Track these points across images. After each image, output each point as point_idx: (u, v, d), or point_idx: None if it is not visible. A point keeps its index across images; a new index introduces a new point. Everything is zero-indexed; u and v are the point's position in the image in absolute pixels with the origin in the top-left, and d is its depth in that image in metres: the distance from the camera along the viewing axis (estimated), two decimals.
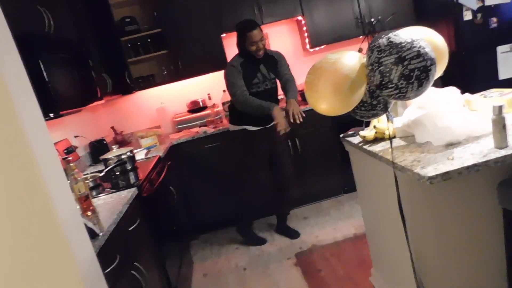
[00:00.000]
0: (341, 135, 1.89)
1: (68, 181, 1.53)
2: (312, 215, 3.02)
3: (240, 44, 2.43)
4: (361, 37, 3.31)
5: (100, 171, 2.20)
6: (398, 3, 3.21)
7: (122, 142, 3.42)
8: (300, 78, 3.56)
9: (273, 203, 2.84)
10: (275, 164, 2.65)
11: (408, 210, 1.34)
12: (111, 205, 1.61)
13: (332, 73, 1.32)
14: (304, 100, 3.23)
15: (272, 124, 2.55)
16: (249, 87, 2.43)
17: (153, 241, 1.87)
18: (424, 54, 1.22)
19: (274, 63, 2.54)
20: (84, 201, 1.53)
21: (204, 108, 3.40)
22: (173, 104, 3.50)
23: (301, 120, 2.34)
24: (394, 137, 1.55)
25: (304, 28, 3.22)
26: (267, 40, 3.48)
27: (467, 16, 2.78)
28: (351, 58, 1.36)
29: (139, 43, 3.26)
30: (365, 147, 1.56)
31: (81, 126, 2.91)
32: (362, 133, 1.63)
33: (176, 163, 2.90)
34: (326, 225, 2.78)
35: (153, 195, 2.07)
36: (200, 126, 3.28)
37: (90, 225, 1.32)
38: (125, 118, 3.54)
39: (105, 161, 2.24)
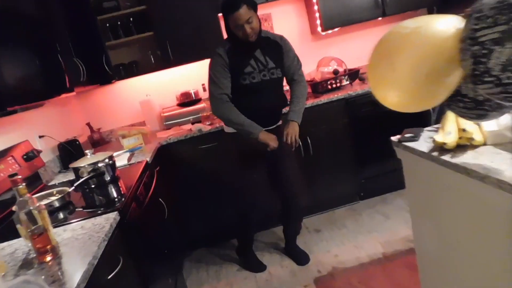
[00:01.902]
0: (394, 138, 1.46)
1: (16, 210, 1.04)
2: (325, 227, 2.61)
3: (226, 27, 1.92)
4: (380, 19, 2.88)
5: (72, 182, 1.70)
6: None
7: (99, 141, 2.90)
8: (307, 65, 3.15)
9: (280, 219, 2.41)
10: (278, 178, 2.15)
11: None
12: (82, 241, 1.14)
13: (421, 46, 0.88)
14: (316, 93, 2.79)
15: (277, 125, 2.09)
16: (241, 78, 1.92)
17: (140, 282, 1.40)
18: None
19: (277, 48, 1.99)
20: (38, 238, 1.05)
21: (197, 101, 2.91)
22: (160, 97, 2.99)
23: (293, 149, 1.99)
24: (485, 144, 1.13)
25: (316, 7, 2.76)
26: (270, 22, 3.00)
27: None
28: (448, 24, 0.92)
29: (119, 23, 2.73)
30: (446, 158, 1.13)
31: (48, 124, 2.37)
32: (437, 138, 1.20)
33: (165, 168, 2.41)
34: (345, 241, 2.37)
35: (140, 217, 1.59)
36: (193, 123, 2.79)
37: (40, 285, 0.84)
38: (103, 113, 3.01)
39: (76, 171, 1.74)
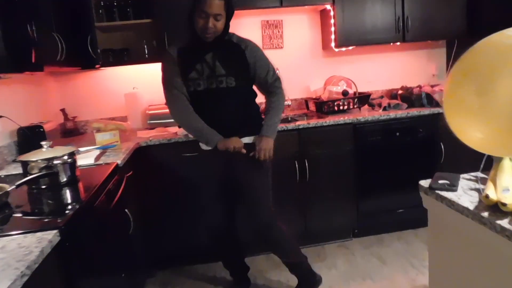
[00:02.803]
0: (424, 183, 1.19)
1: None
2: (313, 264, 2.24)
3: (189, 16, 1.64)
4: (398, 43, 2.67)
5: (22, 177, 1.37)
6: (450, 10, 2.59)
7: (72, 131, 2.57)
8: (313, 81, 2.89)
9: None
10: (246, 204, 1.81)
11: None
12: (4, 261, 0.81)
13: None
14: (320, 112, 2.53)
15: (245, 142, 1.75)
16: (186, 84, 1.67)
17: None
18: None
19: (236, 55, 1.68)
20: None
21: None
22: (148, 92, 2.68)
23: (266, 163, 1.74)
24: None
25: (332, 21, 2.53)
26: (280, 29, 2.76)
27: None
28: None
29: (115, 4, 2.44)
30: (503, 223, 0.86)
31: (11, 103, 2.04)
32: (491, 193, 0.93)
33: (140, 173, 2.09)
34: (334, 285, 2.07)
35: (95, 232, 1.27)
36: (179, 126, 2.48)
37: None
38: (83, 100, 2.68)
39: (25, 166, 1.41)
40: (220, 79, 1.66)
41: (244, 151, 1.70)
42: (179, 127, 2.22)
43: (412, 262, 2.22)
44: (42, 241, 0.94)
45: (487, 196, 0.94)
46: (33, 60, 1.53)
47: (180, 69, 1.66)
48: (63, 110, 2.59)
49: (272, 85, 1.77)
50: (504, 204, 0.88)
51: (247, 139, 1.77)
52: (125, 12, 2.44)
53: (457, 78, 0.75)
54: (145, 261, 2.17)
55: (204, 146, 1.80)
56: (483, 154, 2.84)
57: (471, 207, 0.98)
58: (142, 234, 2.09)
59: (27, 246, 0.91)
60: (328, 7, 2.54)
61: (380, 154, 2.43)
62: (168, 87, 1.70)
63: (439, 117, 2.46)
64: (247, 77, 1.72)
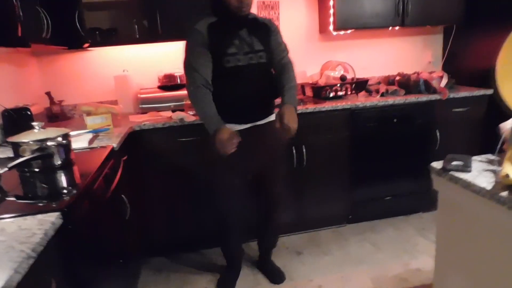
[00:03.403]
0: (436, 165, 1.17)
1: None
2: (307, 249, 2.30)
3: None
4: (397, 28, 2.65)
5: (11, 160, 1.28)
6: None
7: (58, 116, 2.44)
8: (310, 66, 2.80)
9: (256, 231, 2.08)
10: (261, 182, 1.85)
11: None
12: (6, 244, 0.74)
13: None
14: (317, 98, 2.49)
15: (268, 120, 1.75)
16: (223, 60, 1.60)
17: None
18: None
19: (265, 31, 1.70)
20: None
21: (182, 86, 2.52)
22: (139, 75, 2.58)
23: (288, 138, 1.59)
24: None
25: (331, 3, 2.48)
26: (277, 11, 2.69)
27: None
28: None
29: None
30: None
31: None
32: (510, 171, 0.92)
33: (134, 158, 2.01)
34: (329, 269, 2.07)
35: (94, 218, 1.20)
36: (173, 110, 2.40)
37: None
38: (69, 83, 2.54)
39: (16, 147, 1.31)
40: (260, 54, 1.66)
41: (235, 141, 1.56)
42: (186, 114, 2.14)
43: (405, 247, 2.25)
44: (44, 223, 0.87)
45: (507, 176, 0.93)
46: (19, 34, 1.41)
47: (215, 45, 1.59)
48: (48, 94, 2.45)
49: (286, 56, 1.76)
50: None
51: (272, 117, 1.75)
52: None
53: None
54: (140, 247, 2.11)
55: (231, 126, 1.68)
56: (477, 142, 2.88)
57: (489, 187, 0.97)
58: (138, 219, 2.02)
59: (29, 228, 0.85)
60: None
61: (376, 141, 2.43)
62: (189, 69, 1.62)
63: (436, 104, 2.47)
64: (273, 55, 1.72)
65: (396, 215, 2.65)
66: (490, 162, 1.16)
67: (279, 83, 1.72)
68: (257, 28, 1.68)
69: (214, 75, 1.65)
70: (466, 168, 1.09)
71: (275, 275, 2.02)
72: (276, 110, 1.65)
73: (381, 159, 2.48)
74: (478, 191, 1.00)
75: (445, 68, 2.99)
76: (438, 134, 2.50)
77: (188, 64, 1.62)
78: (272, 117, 1.77)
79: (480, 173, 1.08)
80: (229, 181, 1.77)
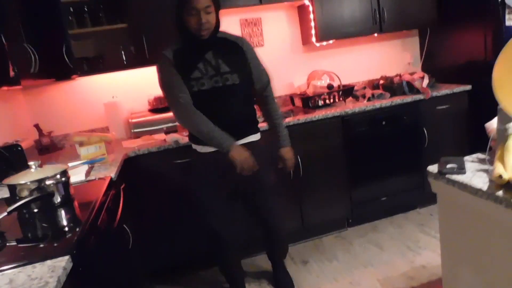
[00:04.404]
0: (432, 169, 1.21)
1: None
2: (313, 257, 2.32)
3: (178, 17, 1.59)
4: (375, 35, 2.74)
5: (7, 202, 1.26)
6: (421, 0, 2.69)
7: (48, 148, 2.41)
8: (296, 77, 2.83)
9: (264, 244, 2.08)
10: (258, 210, 1.86)
11: None
12: None
13: None
14: (307, 107, 2.54)
15: (247, 140, 1.72)
16: (188, 85, 1.60)
17: None
18: None
19: (234, 51, 1.67)
20: None
21: None
22: (129, 100, 2.58)
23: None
24: None
25: (311, 16, 2.54)
26: (260, 27, 2.74)
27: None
28: None
29: (86, 9, 2.31)
30: None
31: None
32: (503, 173, 0.96)
33: (131, 185, 2.00)
34: (338, 276, 2.09)
35: (99, 255, 1.19)
36: (166, 132, 2.41)
37: None
38: (57, 113, 2.53)
39: (13, 190, 1.30)
40: (226, 77, 1.62)
41: (254, 167, 1.65)
42: (167, 133, 2.15)
43: (408, 245, 2.30)
44: (56, 269, 0.86)
45: (500, 176, 0.97)
46: (11, 75, 1.41)
47: (180, 70, 1.60)
48: (37, 126, 2.42)
49: (268, 86, 1.77)
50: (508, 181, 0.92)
51: (252, 137, 1.75)
52: (97, 18, 2.32)
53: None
54: (143, 274, 2.09)
55: (200, 149, 1.73)
56: (463, 136, 2.97)
57: (485, 188, 1.01)
58: (140, 246, 2.00)
59: (40, 277, 0.84)
60: (307, 2, 2.56)
61: (368, 144, 2.49)
62: (168, 89, 1.64)
63: (420, 103, 2.55)
64: (249, 74, 1.70)
65: (394, 214, 2.70)
66: (482, 161, 1.21)
67: (267, 115, 1.81)
68: (225, 48, 1.66)
69: None
70: (460, 170, 1.13)
71: (284, 284, 2.02)
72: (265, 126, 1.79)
73: (375, 161, 2.53)
74: (475, 192, 1.04)
75: (424, 67, 3.10)
76: (425, 131, 2.58)
77: (167, 84, 1.63)
78: (253, 137, 1.75)
79: (474, 174, 1.12)
80: (215, 200, 1.77)
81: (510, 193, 0.95)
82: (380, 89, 2.73)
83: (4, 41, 1.49)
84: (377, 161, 2.53)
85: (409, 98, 2.52)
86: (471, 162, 1.22)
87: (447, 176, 1.14)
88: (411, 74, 2.77)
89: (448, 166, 1.17)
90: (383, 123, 2.50)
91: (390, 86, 2.66)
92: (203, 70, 1.61)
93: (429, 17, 2.74)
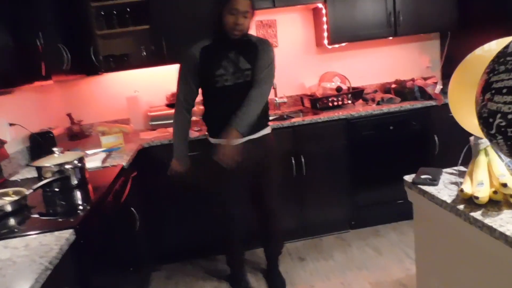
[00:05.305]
0: (408, 178, 1.28)
1: None
2: (310, 255, 2.41)
3: (216, 15, 1.74)
4: (390, 38, 2.74)
5: (36, 180, 1.50)
6: (440, 3, 2.64)
7: (78, 135, 2.69)
8: (308, 78, 2.94)
9: (260, 240, 2.21)
10: (255, 193, 2.00)
11: None
12: (20, 266, 0.93)
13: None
14: (315, 109, 2.62)
15: (261, 134, 1.89)
16: (212, 80, 1.78)
17: None
18: None
19: (253, 49, 1.80)
20: None
21: None
22: (149, 94, 2.80)
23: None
24: None
25: (324, 19, 2.61)
26: (274, 29, 2.84)
27: None
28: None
29: (115, 12, 2.54)
30: (476, 216, 0.95)
31: (21, 111, 2.16)
32: (466, 188, 1.02)
33: (143, 173, 2.21)
34: (331, 276, 2.18)
35: (104, 231, 1.40)
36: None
37: None
38: (87, 104, 2.80)
39: (39, 171, 1.54)
40: (247, 73, 1.79)
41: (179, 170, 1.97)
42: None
43: (407, 252, 2.30)
44: (60, 239, 1.06)
45: (462, 190, 1.03)
46: (43, 73, 1.64)
47: (205, 67, 1.77)
48: (69, 115, 2.71)
49: (259, 76, 1.79)
50: (477, 198, 0.97)
51: (266, 130, 1.92)
52: (124, 19, 2.54)
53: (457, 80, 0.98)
54: (150, 256, 2.30)
55: (213, 140, 1.90)
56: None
57: (449, 200, 1.06)
58: (147, 230, 2.22)
59: (48, 244, 1.04)
60: (320, 5, 2.62)
61: (374, 148, 2.52)
62: (178, 82, 1.87)
63: (432, 109, 2.53)
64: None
65: (399, 220, 2.70)
66: (461, 174, 1.23)
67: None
68: (247, 48, 1.80)
69: (207, 94, 1.88)
70: (433, 181, 1.19)
71: (274, 283, 2.13)
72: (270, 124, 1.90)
73: (381, 165, 2.55)
74: (440, 203, 1.09)
75: (444, 71, 3.04)
76: (436, 139, 2.56)
77: (179, 76, 1.86)
78: (266, 131, 1.93)
79: (446, 186, 1.16)
80: (227, 190, 1.95)
81: (470, 208, 0.99)
82: (392, 93, 2.74)
83: (41, 41, 1.73)
84: (384, 165, 2.55)
85: (419, 104, 2.52)
86: (449, 174, 1.26)
87: (419, 186, 1.20)
88: (425, 79, 2.75)
89: (423, 176, 1.23)
90: (391, 128, 2.52)
91: (402, 90, 2.67)
92: (228, 67, 1.77)
93: (449, 20, 2.67)
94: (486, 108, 0.76)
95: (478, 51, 1.09)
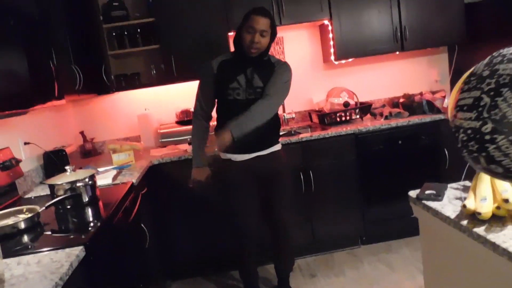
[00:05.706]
0: (412, 194, 1.27)
1: None
2: (321, 272, 2.37)
3: (237, 33, 1.84)
4: (397, 53, 2.76)
5: (49, 198, 1.53)
6: (447, 17, 2.65)
7: (91, 152, 2.75)
8: (316, 94, 2.97)
9: (272, 256, 2.20)
10: (267, 209, 2.01)
11: None
12: (32, 282, 0.95)
13: None
14: (323, 124, 2.63)
15: (270, 151, 1.93)
16: (225, 92, 1.85)
17: None
18: None
19: (269, 70, 1.86)
20: None
21: None
22: (159, 112, 2.85)
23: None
24: None
25: (330, 36, 2.65)
26: (281, 46, 2.89)
27: None
28: None
29: (126, 33, 2.63)
30: (479, 231, 0.93)
31: (36, 130, 2.23)
32: (469, 204, 1.01)
33: (153, 189, 2.23)
34: None
35: (114, 248, 1.41)
36: (190, 143, 2.63)
37: None
38: (99, 122, 2.87)
39: (52, 188, 1.57)
40: (259, 91, 1.84)
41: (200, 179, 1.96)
42: (189, 144, 2.38)
43: (420, 268, 2.23)
44: (71, 256, 1.08)
45: (464, 206, 1.02)
46: (56, 94, 1.71)
47: (221, 78, 1.85)
48: (82, 133, 2.78)
49: (268, 92, 1.81)
50: (479, 213, 0.96)
51: (276, 147, 1.96)
52: (135, 40, 2.63)
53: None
54: (161, 272, 2.30)
55: (234, 158, 1.92)
56: None
57: (453, 216, 1.05)
58: (158, 246, 2.23)
59: (59, 260, 1.05)
60: (326, 22, 2.67)
61: (383, 163, 2.50)
62: (198, 94, 1.95)
63: (441, 123, 2.52)
64: None
65: (412, 235, 2.64)
66: (465, 189, 1.23)
67: None
68: (264, 68, 1.87)
69: (220, 106, 1.95)
70: (437, 197, 1.18)
71: None
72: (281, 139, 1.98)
73: (391, 180, 2.52)
74: (444, 219, 1.08)
75: (453, 85, 3.02)
76: (446, 152, 2.53)
77: (199, 88, 1.95)
78: (276, 147, 1.96)
79: (450, 201, 1.15)
80: (239, 205, 1.96)
81: (473, 223, 0.98)
82: (400, 107, 2.74)
83: (54, 63, 1.80)
84: (392, 180, 2.51)
85: (428, 118, 2.51)
86: (454, 189, 1.25)
87: (423, 201, 1.19)
88: (434, 92, 2.75)
89: (427, 192, 1.22)
90: (399, 142, 2.51)
91: (410, 104, 2.67)
92: (242, 82, 1.84)
93: (456, 34, 2.67)
94: (453, 124, 0.80)
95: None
